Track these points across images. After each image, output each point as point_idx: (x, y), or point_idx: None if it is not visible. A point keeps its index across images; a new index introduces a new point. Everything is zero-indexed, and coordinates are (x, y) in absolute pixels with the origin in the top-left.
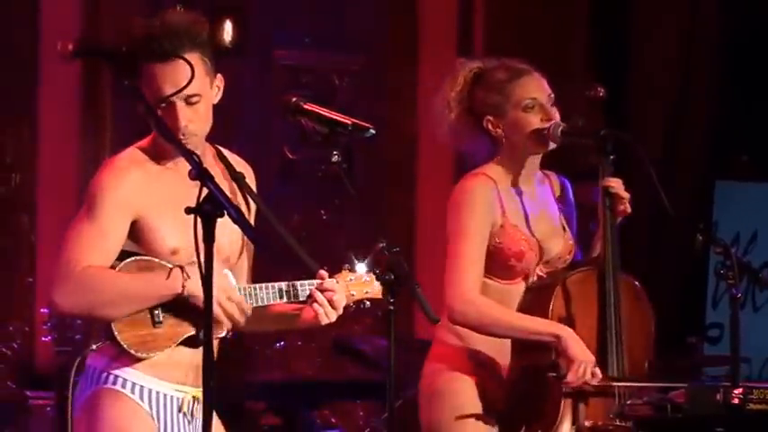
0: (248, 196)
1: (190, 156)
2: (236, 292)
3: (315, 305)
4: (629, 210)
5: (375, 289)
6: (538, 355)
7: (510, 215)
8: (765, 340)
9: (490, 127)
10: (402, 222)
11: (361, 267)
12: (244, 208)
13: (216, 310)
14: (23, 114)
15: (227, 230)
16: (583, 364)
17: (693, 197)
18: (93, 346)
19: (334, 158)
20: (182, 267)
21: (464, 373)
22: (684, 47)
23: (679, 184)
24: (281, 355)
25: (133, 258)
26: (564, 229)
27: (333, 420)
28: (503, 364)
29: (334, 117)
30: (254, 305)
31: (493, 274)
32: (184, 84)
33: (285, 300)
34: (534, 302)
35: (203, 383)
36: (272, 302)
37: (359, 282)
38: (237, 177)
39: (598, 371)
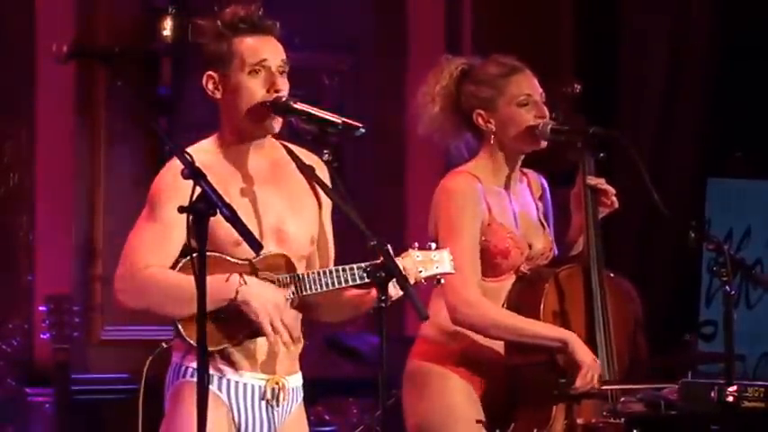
0: (319, 188)
1: (182, 155)
2: (290, 314)
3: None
4: (616, 204)
5: (446, 265)
6: (531, 354)
7: (496, 213)
8: (760, 337)
9: (480, 121)
10: (392, 220)
11: (432, 245)
12: (313, 200)
13: (267, 329)
14: (20, 115)
15: (300, 219)
16: (591, 369)
17: (686, 194)
18: (164, 344)
19: (325, 157)
20: (241, 274)
21: (453, 370)
22: (675, 44)
23: (671, 181)
24: None
25: (196, 255)
26: (543, 226)
27: (326, 417)
28: (491, 360)
29: (325, 116)
30: (321, 290)
31: (480, 272)
32: (282, 54)
33: (351, 283)
34: (523, 299)
35: (198, 375)
36: (337, 287)
37: (427, 259)
38: (307, 170)
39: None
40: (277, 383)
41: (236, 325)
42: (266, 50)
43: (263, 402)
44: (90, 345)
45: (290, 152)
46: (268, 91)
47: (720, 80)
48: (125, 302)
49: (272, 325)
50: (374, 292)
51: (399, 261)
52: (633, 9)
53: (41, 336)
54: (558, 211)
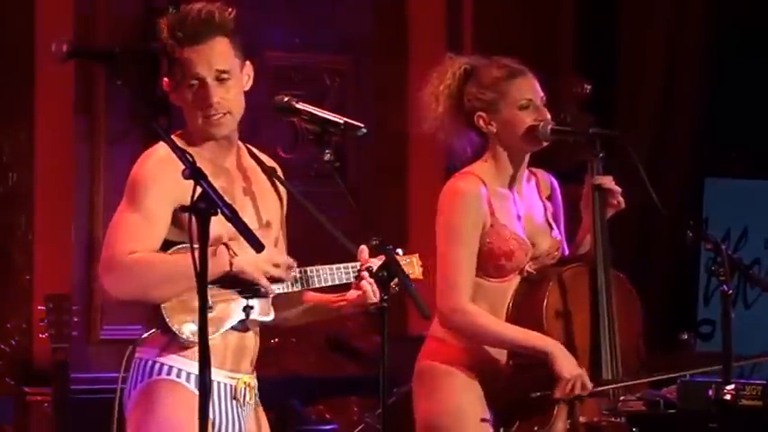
0: (281, 188)
1: (183, 154)
2: (280, 255)
3: (363, 283)
4: (623, 204)
5: (416, 270)
6: (529, 354)
7: (499, 214)
8: (757, 336)
9: (482, 123)
10: (394, 220)
11: (399, 251)
12: (276, 200)
13: (264, 282)
14: (20, 114)
15: (266, 217)
16: (570, 381)
17: (683, 194)
18: (145, 335)
19: (327, 157)
20: (226, 244)
21: (460, 369)
22: (673, 44)
23: (669, 181)
24: (275, 351)
25: (178, 247)
26: (551, 225)
27: (327, 416)
28: (497, 360)
29: (327, 116)
30: (301, 288)
31: (484, 273)
32: (218, 63)
33: (330, 282)
34: (528, 298)
35: (199, 372)
36: (318, 285)
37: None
38: (270, 172)
39: (588, 382)
40: (245, 383)
41: (225, 314)
42: (199, 63)
43: (234, 401)
44: (89, 344)
45: (252, 154)
46: (198, 107)
47: (718, 80)
48: (112, 290)
49: (268, 278)
50: (349, 296)
51: (376, 261)
52: (632, 9)
53: (40, 335)
54: (569, 209)
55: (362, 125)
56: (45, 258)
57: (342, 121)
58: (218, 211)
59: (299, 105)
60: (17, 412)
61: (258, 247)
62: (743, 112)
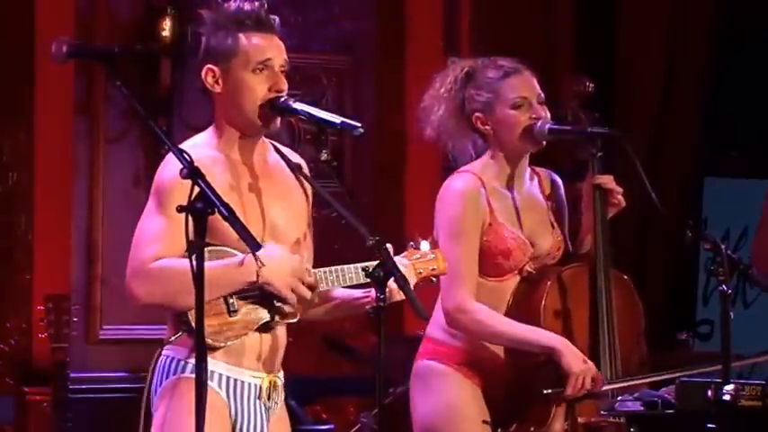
0: (307, 183)
1: (181, 154)
2: (308, 275)
3: (390, 282)
4: (623, 203)
5: (441, 266)
6: (533, 354)
7: (497, 213)
8: (756, 336)
9: (479, 124)
10: (391, 220)
11: (425, 245)
12: (303, 197)
13: (290, 297)
14: (19, 114)
15: (291, 214)
16: (580, 376)
17: (683, 193)
18: (172, 338)
19: (324, 157)
20: (254, 255)
21: (457, 369)
22: (673, 43)
23: (668, 180)
24: None
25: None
26: (552, 225)
27: (324, 416)
28: (494, 360)
29: (323, 116)
30: (325, 288)
31: (482, 271)
32: (284, 55)
33: (355, 282)
34: (527, 298)
35: (196, 370)
36: (345, 284)
37: (424, 259)
38: (294, 168)
39: (599, 375)
40: (271, 382)
41: (250, 317)
42: (271, 49)
43: (259, 401)
44: (88, 344)
45: (278, 150)
46: (270, 90)
47: (718, 79)
48: (140, 296)
49: (294, 292)
50: (373, 293)
51: (399, 260)
52: (632, 9)
53: (40, 335)
54: (570, 208)
55: (359, 125)
56: (45, 258)
57: (339, 121)
58: (216, 210)
59: (297, 105)
60: (17, 412)
61: (255, 247)
62: (742, 112)
